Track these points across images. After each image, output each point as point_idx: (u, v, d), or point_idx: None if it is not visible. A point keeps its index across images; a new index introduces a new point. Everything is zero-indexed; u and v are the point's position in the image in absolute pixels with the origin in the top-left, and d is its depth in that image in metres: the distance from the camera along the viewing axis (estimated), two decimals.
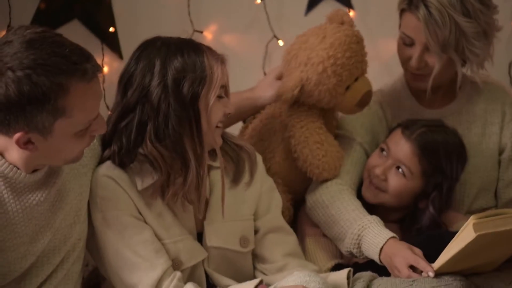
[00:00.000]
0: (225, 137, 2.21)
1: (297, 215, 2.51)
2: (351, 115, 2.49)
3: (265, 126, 2.49)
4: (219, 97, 2.11)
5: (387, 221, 2.31)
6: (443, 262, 2.04)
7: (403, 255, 2.13)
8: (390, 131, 2.48)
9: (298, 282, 1.99)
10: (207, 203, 2.18)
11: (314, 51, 2.33)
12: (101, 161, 2.13)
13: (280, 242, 2.26)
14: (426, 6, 2.35)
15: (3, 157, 1.88)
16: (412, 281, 2.06)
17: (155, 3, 3.05)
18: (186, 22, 3.01)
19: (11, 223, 1.93)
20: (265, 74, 3.05)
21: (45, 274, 2.04)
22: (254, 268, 2.25)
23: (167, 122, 2.05)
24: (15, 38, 1.78)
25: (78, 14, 2.99)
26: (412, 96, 2.58)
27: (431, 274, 2.05)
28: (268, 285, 2.07)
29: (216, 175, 2.19)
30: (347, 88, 2.36)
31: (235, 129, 2.49)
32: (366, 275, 2.13)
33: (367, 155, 2.49)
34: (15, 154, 1.87)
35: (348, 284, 2.09)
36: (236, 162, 2.22)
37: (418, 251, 2.14)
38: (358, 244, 2.25)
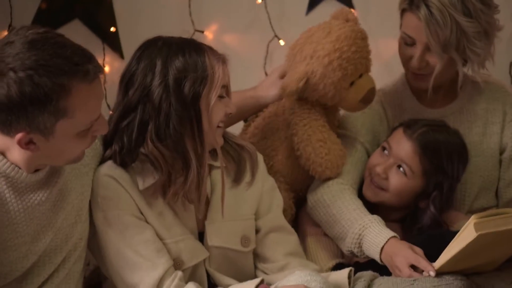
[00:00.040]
0: (226, 137, 2.21)
1: (298, 214, 2.51)
2: (352, 114, 2.49)
3: (268, 125, 2.49)
4: (220, 97, 2.11)
5: (388, 221, 2.31)
6: (444, 261, 2.04)
7: (404, 254, 2.13)
8: (392, 130, 2.48)
9: (299, 281, 1.99)
10: (208, 202, 2.18)
11: (320, 44, 2.32)
12: (102, 161, 2.13)
13: (281, 241, 2.26)
14: (427, 6, 2.35)
15: (4, 157, 1.88)
16: (413, 280, 2.06)
17: (156, 3, 3.05)
18: (187, 22, 3.01)
19: (13, 222, 1.93)
20: (266, 74, 3.05)
21: (46, 274, 2.04)
22: (255, 267, 2.25)
23: (168, 121, 2.05)
24: (17, 38, 1.78)
25: (79, 14, 3.00)
26: (413, 96, 2.58)
27: (432, 273, 2.05)
28: (269, 284, 2.07)
29: (217, 174, 2.19)
30: (352, 84, 2.36)
31: (235, 129, 2.49)
32: (367, 274, 2.13)
33: (368, 155, 2.49)
34: (16, 154, 1.87)
35: (349, 283, 2.09)
36: (237, 161, 2.22)
37: (419, 250, 2.14)
38: (359, 243, 2.25)
